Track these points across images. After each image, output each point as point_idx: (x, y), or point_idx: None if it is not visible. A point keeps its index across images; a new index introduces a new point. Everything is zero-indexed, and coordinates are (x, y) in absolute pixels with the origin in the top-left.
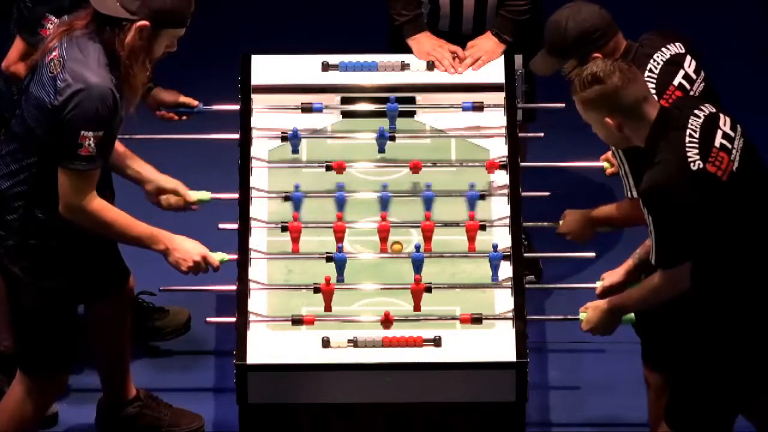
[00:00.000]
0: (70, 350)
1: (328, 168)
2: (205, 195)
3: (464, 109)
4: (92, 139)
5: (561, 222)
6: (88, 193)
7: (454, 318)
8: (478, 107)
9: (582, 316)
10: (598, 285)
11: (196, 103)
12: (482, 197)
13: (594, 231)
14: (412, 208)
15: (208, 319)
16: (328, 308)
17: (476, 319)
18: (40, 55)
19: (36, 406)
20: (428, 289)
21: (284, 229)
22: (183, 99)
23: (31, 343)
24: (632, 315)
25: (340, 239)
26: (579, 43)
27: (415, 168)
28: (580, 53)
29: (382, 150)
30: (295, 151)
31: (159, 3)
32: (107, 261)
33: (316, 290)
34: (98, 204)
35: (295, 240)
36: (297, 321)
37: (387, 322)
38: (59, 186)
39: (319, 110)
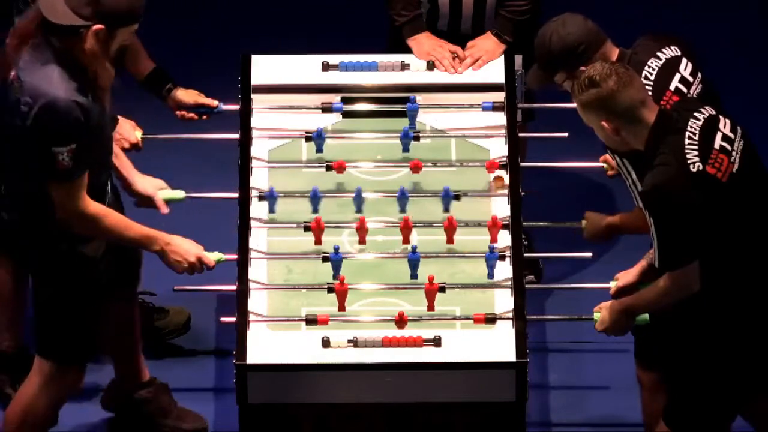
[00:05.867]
0: (92, 341)
1: (329, 168)
2: (178, 194)
3: (484, 108)
4: (66, 153)
5: (583, 223)
6: (78, 200)
7: (467, 318)
8: (499, 107)
9: (596, 316)
10: (612, 285)
11: (216, 103)
12: (456, 197)
13: (612, 236)
14: (412, 208)
15: (222, 319)
16: (341, 308)
17: (490, 319)
18: (2, 73)
19: (50, 399)
20: (442, 289)
21: (307, 229)
22: (202, 100)
23: (57, 328)
24: (646, 316)
25: (362, 239)
26: (564, 58)
27: (416, 168)
28: (567, 67)
29: (406, 150)
30: (320, 150)
31: (112, 3)
32: (119, 258)
33: (330, 290)
34: (93, 208)
35: (318, 238)
36: (311, 321)
37: (401, 322)
38: (52, 198)
39: (339, 110)
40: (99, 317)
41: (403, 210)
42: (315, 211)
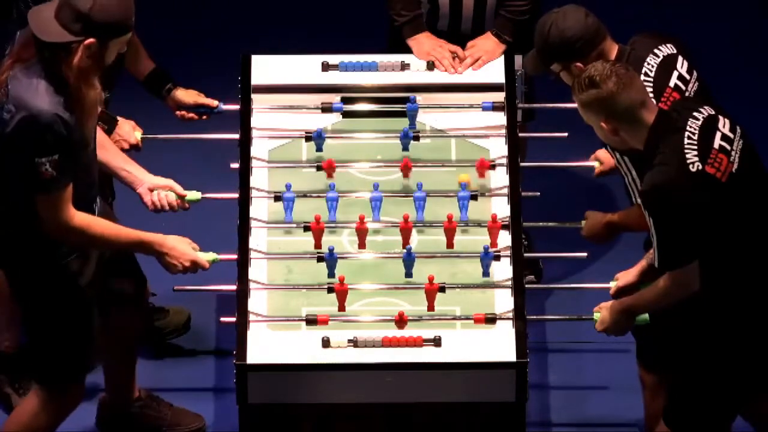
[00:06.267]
0: (87, 361)
1: (318, 168)
2: (196, 195)
3: (484, 108)
4: (48, 164)
5: (583, 223)
6: (64, 211)
7: (468, 318)
8: (499, 107)
9: (596, 316)
10: (612, 285)
11: (215, 103)
12: (473, 197)
13: (613, 235)
14: (409, 209)
15: (222, 319)
16: (341, 308)
17: (490, 319)
18: None
19: (50, 419)
20: (442, 289)
21: (306, 229)
22: (202, 100)
23: (47, 353)
24: (646, 316)
25: (362, 240)
26: (560, 51)
27: (406, 169)
28: (563, 60)
29: (405, 149)
30: (319, 149)
31: (102, 17)
32: (122, 271)
33: (330, 290)
34: (79, 219)
35: (318, 240)
36: (311, 321)
37: (401, 322)
38: (38, 211)
39: (339, 110)
40: (90, 341)
41: (420, 214)
42: (332, 214)
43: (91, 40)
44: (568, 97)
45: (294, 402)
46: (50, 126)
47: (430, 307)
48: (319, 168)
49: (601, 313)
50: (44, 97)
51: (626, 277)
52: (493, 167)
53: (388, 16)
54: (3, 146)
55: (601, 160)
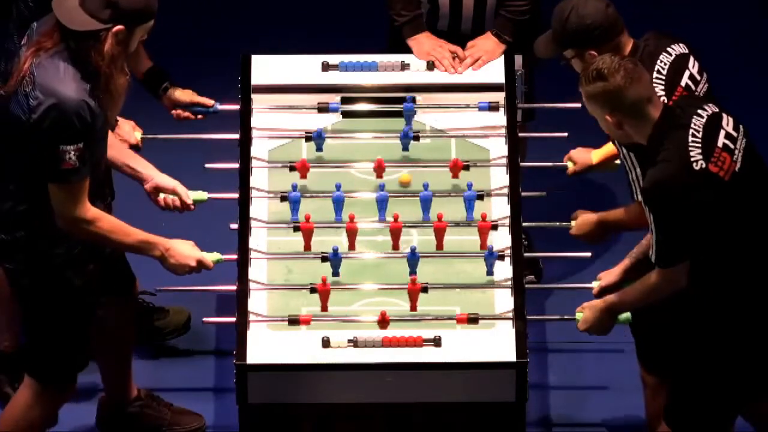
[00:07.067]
0: (82, 359)
1: (292, 168)
2: (202, 195)
3: (480, 108)
4: (73, 152)
5: (573, 222)
6: (80, 204)
7: (450, 318)
8: (494, 107)
9: (578, 316)
10: (595, 285)
11: (211, 103)
12: (480, 197)
13: (607, 233)
14: (410, 208)
15: (204, 319)
16: (324, 308)
17: (472, 319)
18: (16, 81)
19: (43, 411)
20: (424, 289)
21: (296, 229)
22: (198, 99)
23: (42, 350)
24: (629, 315)
25: (352, 240)
26: (577, 37)
27: (379, 168)
28: (578, 46)
29: (405, 149)
30: (319, 149)
31: (129, 3)
32: (113, 267)
33: (313, 290)
34: (93, 213)
35: (308, 240)
36: (294, 321)
37: (383, 322)
38: (52, 201)
39: (336, 110)
40: (84, 340)
41: (427, 215)
42: (338, 214)
43: (120, 27)
44: (568, 97)
45: (294, 402)
46: (78, 112)
47: (413, 307)
48: (292, 168)
49: (584, 312)
50: (71, 83)
51: (609, 276)
52: (467, 168)
53: (388, 16)
54: (24, 134)
55: (574, 159)
